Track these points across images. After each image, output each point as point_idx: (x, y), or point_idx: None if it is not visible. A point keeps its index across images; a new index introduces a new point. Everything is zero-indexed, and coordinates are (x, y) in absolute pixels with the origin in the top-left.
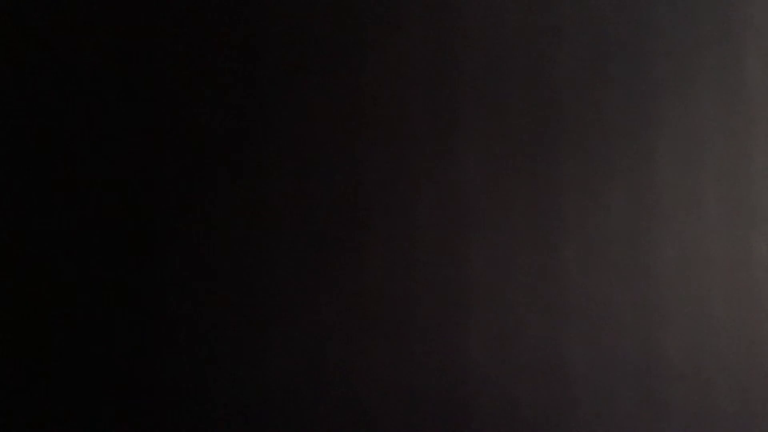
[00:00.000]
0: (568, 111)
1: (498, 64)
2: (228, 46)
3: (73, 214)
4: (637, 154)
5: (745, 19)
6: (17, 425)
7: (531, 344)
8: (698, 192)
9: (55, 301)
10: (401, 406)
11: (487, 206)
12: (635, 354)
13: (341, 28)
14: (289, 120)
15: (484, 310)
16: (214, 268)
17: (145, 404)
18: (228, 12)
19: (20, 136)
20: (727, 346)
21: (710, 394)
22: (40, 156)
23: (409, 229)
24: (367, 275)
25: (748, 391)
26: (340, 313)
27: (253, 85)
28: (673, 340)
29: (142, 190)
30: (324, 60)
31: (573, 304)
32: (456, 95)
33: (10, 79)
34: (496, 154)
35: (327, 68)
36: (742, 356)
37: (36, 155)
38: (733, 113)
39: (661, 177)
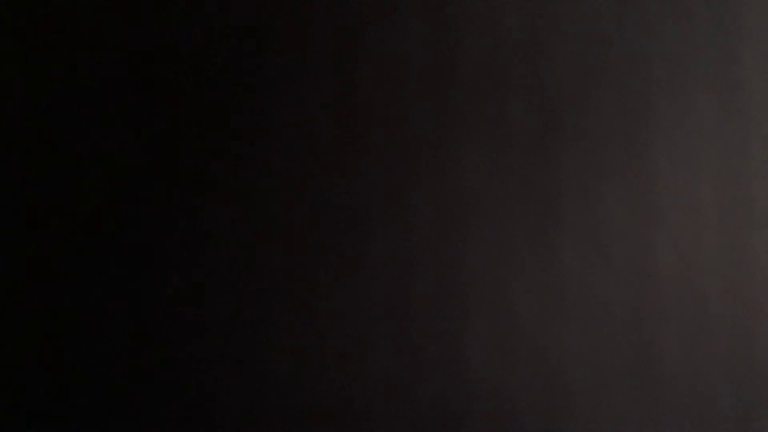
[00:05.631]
0: (566, 112)
1: (497, 65)
2: (228, 47)
3: (73, 214)
4: (635, 154)
5: (741, 20)
6: (17, 425)
7: (529, 344)
8: (696, 192)
9: (55, 302)
10: (399, 405)
11: (485, 206)
12: (633, 354)
13: (341, 28)
14: (289, 120)
15: (482, 310)
16: (213, 267)
17: (145, 404)
18: (228, 12)
19: (20, 136)
20: (724, 346)
21: (708, 393)
22: (40, 156)
23: (408, 229)
24: (366, 275)
25: (745, 391)
26: (339, 312)
27: (253, 85)
28: (671, 340)
29: (142, 190)
30: (323, 60)
31: (571, 304)
32: (455, 96)
33: (10, 80)
34: (495, 155)
35: (327, 68)
36: (739, 356)
37: (36, 156)
38: (730, 113)
39: (659, 177)
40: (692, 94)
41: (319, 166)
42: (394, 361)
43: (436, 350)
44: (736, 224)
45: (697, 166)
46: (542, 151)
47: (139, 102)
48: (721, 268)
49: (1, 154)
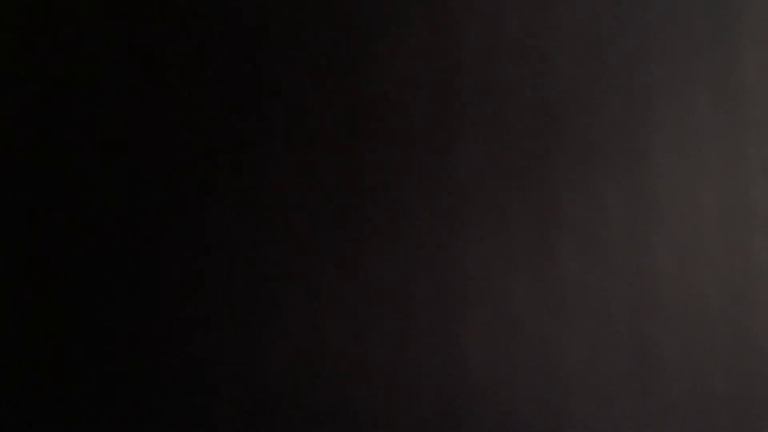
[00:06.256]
0: (566, 112)
1: (497, 66)
2: (229, 47)
3: (74, 214)
4: (635, 154)
5: (740, 20)
6: (17, 425)
7: (528, 343)
8: (695, 191)
9: (56, 302)
10: (399, 405)
11: (485, 206)
12: (633, 353)
13: (342, 30)
14: (290, 120)
15: (481, 310)
16: (213, 267)
17: (146, 404)
18: (229, 13)
19: (21, 136)
20: (724, 346)
21: (708, 393)
22: (41, 156)
23: (408, 228)
24: (365, 275)
25: (744, 390)
26: (339, 312)
27: (254, 86)
28: (670, 340)
29: (143, 190)
30: (324, 61)
31: (570, 303)
32: (455, 96)
33: (10, 79)
34: (495, 155)
35: (327, 69)
36: (738, 355)
37: (37, 155)
38: (729, 114)
39: (658, 177)
40: (692, 95)
41: (319, 165)
42: (394, 360)
43: (436, 350)
44: (736, 224)
45: (697, 166)
46: (542, 151)
47: (138, 101)
48: (720, 267)
49: (1, 154)
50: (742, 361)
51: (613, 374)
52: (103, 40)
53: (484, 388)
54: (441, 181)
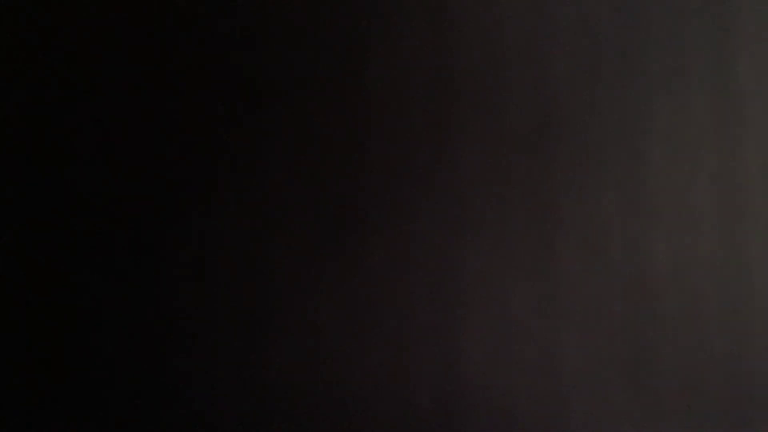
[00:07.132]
0: (563, 113)
1: (496, 67)
2: (229, 47)
3: (74, 214)
4: (631, 155)
5: (736, 21)
6: (19, 425)
7: (526, 344)
8: (690, 192)
9: (57, 302)
10: (397, 405)
11: (485, 206)
12: (630, 354)
13: (343, 29)
14: (290, 120)
15: (479, 310)
16: (214, 267)
17: (145, 403)
18: (229, 13)
19: (23, 137)
20: (719, 346)
21: (705, 393)
22: (43, 157)
23: (406, 229)
24: (364, 275)
25: (742, 391)
26: (339, 312)
27: (254, 86)
28: (667, 340)
29: (143, 191)
30: (325, 61)
31: (567, 304)
32: (455, 97)
33: (10, 79)
34: (493, 155)
35: (328, 69)
36: (735, 355)
37: (38, 156)
38: (725, 115)
39: (655, 178)
40: (688, 95)
41: (319, 166)
42: (393, 361)
43: (435, 350)
44: (732, 224)
45: (693, 166)
46: (540, 152)
47: (140, 102)
48: (717, 268)
49: (1, 154)
50: (738, 361)
51: (611, 375)
52: (103, 40)
53: (483, 388)
54: (441, 181)
